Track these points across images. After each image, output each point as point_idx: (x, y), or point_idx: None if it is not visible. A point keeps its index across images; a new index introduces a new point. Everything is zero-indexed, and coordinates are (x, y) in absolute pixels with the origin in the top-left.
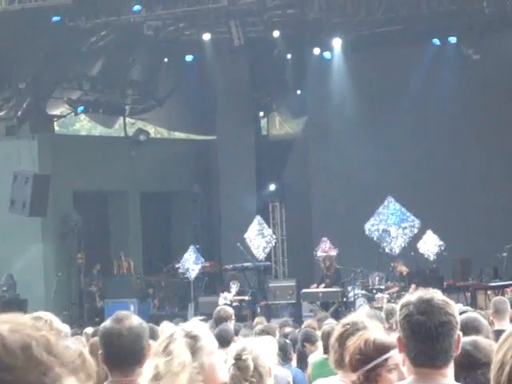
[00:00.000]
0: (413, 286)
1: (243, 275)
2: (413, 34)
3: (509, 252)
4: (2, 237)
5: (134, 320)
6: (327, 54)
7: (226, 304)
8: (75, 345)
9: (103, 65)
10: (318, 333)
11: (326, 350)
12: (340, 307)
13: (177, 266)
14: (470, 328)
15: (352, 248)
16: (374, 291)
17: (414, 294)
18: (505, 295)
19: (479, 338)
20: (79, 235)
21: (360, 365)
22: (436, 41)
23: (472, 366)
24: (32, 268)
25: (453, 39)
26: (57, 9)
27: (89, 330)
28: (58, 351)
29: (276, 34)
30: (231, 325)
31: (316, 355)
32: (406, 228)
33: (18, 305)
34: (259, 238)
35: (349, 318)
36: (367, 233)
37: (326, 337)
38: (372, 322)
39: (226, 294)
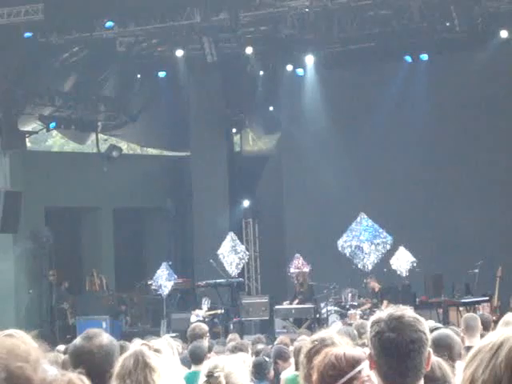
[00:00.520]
0: (385, 302)
1: (216, 292)
2: (385, 51)
3: (480, 268)
4: None
5: (105, 338)
6: (300, 71)
7: (198, 321)
8: (59, 373)
9: (76, 81)
10: (292, 348)
11: (297, 367)
12: (313, 324)
13: (149, 282)
14: (442, 345)
15: (325, 264)
16: (347, 307)
17: (384, 311)
18: (477, 312)
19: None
20: (51, 252)
21: (334, 380)
22: (408, 58)
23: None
24: (3, 285)
25: (424, 56)
26: (29, 25)
27: (61, 347)
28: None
29: (249, 50)
30: (206, 342)
31: (288, 372)
32: (378, 244)
33: None
34: (232, 255)
35: (317, 335)
36: (340, 249)
37: (298, 353)
38: (342, 339)
39: (197, 311)
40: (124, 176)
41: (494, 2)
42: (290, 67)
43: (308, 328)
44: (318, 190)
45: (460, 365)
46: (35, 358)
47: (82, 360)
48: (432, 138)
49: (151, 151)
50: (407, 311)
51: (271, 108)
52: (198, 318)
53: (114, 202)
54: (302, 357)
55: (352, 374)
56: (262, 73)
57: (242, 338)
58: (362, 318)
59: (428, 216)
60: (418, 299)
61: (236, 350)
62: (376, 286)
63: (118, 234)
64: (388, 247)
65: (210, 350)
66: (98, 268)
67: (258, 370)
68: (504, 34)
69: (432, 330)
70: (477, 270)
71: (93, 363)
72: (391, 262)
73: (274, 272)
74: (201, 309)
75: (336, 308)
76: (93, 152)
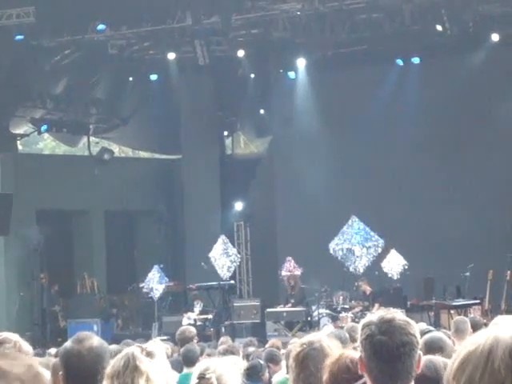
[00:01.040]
0: (376, 305)
1: (207, 294)
2: (376, 55)
3: (472, 271)
4: None
5: (95, 341)
6: (291, 74)
7: (189, 324)
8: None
9: (67, 83)
10: (283, 351)
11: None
12: (304, 327)
13: (141, 285)
14: (434, 347)
15: (316, 267)
16: (338, 310)
17: (375, 314)
18: (468, 315)
19: (433, 358)
20: (42, 254)
21: (347, 383)
22: (399, 61)
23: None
24: None
25: (416, 60)
26: (20, 27)
27: (52, 350)
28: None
29: (241, 53)
30: (195, 344)
31: (279, 375)
32: (370, 247)
33: None
34: (224, 258)
35: (306, 338)
36: (331, 252)
37: (289, 356)
38: (331, 342)
39: (189, 314)
40: (116, 179)
41: (486, 5)
42: (281, 70)
43: (299, 331)
44: (309, 193)
45: None
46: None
47: (71, 363)
48: (423, 141)
49: (143, 154)
50: (398, 314)
51: (263, 111)
52: (189, 320)
53: (105, 205)
54: (291, 361)
55: (366, 378)
56: (253, 76)
57: (233, 340)
58: (353, 320)
59: (419, 219)
60: (409, 302)
61: (227, 352)
62: (367, 288)
63: (109, 236)
64: (379, 250)
65: (200, 353)
66: (90, 271)
67: (252, 373)
68: (495, 37)
69: (424, 333)
70: (468, 273)
71: (83, 366)
72: (383, 264)
73: (265, 275)
74: (193, 311)
75: (327, 311)
76: (84, 155)
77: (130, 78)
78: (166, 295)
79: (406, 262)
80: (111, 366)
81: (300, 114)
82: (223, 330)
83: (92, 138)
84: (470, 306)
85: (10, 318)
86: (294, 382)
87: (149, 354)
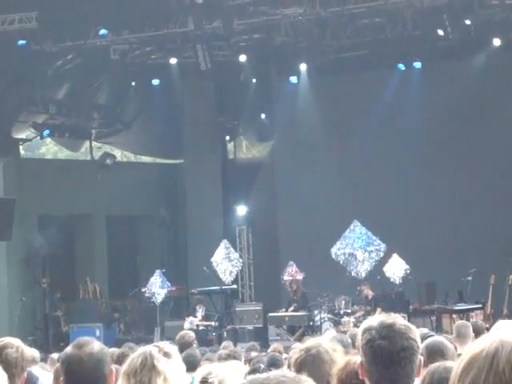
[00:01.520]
0: (378, 309)
1: (210, 299)
2: (378, 59)
3: (473, 276)
4: None
5: (95, 346)
6: (293, 79)
7: (191, 328)
8: None
9: (69, 88)
10: (285, 355)
11: None
12: (306, 331)
13: (143, 290)
14: (436, 352)
15: (318, 272)
16: (341, 315)
17: (375, 319)
18: (470, 319)
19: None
20: (44, 259)
21: None
22: (401, 66)
23: None
24: None
25: (418, 64)
26: (23, 33)
27: (55, 355)
28: None
29: (242, 58)
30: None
31: None
32: (372, 252)
33: None
34: (226, 262)
35: (305, 344)
36: (333, 257)
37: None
38: (333, 346)
39: (191, 318)
40: (118, 184)
41: (487, 10)
42: (283, 75)
43: (302, 335)
44: (311, 198)
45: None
46: None
47: (72, 368)
48: (425, 146)
49: (145, 159)
50: (398, 319)
51: (264, 116)
52: (191, 325)
53: (107, 210)
54: (291, 366)
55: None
56: (255, 80)
57: (235, 345)
58: (355, 325)
59: (421, 223)
60: (411, 306)
61: (229, 357)
62: (369, 293)
63: (111, 241)
64: (381, 255)
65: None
66: (92, 275)
67: None
68: (497, 42)
69: (425, 338)
70: (470, 278)
71: (83, 371)
72: (385, 269)
73: (267, 279)
74: (195, 316)
75: (329, 315)
76: (86, 160)
77: (133, 83)
78: (168, 300)
79: (408, 267)
80: (127, 364)
81: (302, 118)
82: (225, 334)
83: (94, 143)
84: (472, 310)
85: (12, 323)
86: None
87: (166, 355)
